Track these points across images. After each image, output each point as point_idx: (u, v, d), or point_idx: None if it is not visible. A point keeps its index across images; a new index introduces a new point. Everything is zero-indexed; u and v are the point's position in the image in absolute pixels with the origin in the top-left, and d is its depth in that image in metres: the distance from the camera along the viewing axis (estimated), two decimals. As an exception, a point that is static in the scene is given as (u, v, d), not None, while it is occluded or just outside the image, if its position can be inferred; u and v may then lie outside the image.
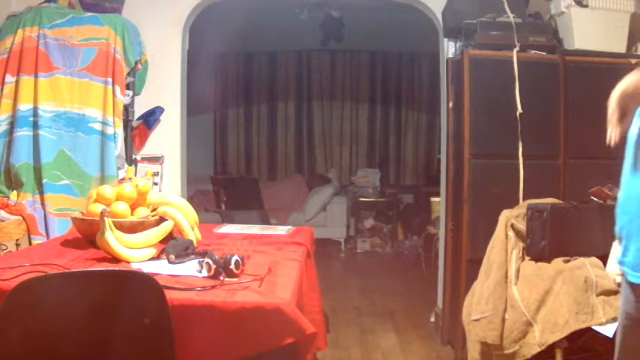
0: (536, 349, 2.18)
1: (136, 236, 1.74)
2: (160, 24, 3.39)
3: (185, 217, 1.96)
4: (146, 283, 1.29)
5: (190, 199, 3.32)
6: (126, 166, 3.18)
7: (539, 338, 2.18)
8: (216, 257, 1.49)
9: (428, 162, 7.11)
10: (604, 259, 2.36)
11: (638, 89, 1.45)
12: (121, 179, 3.05)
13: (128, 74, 3.19)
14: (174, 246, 1.69)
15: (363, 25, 6.04)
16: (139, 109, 3.35)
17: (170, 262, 1.63)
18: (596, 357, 2.32)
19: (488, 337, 2.31)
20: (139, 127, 3.33)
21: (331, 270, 5.34)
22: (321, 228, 5.94)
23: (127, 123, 3.22)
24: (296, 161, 7.29)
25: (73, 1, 3.21)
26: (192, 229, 1.96)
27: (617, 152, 1.54)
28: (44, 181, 2.87)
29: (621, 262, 1.52)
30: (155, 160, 3.37)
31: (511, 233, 2.44)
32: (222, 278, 1.44)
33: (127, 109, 3.22)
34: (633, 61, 2.89)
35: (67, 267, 1.54)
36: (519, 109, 2.79)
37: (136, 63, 3.21)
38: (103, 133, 3.01)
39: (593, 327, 2.12)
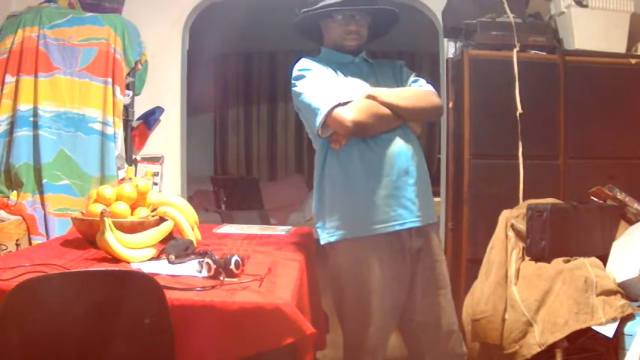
0: (536, 350, 2.18)
1: (136, 236, 1.74)
2: (160, 24, 3.39)
3: (185, 217, 1.96)
4: (146, 283, 1.29)
5: (190, 199, 3.32)
6: (126, 166, 3.18)
7: (539, 338, 2.17)
8: (216, 257, 1.49)
9: (428, 162, 7.02)
10: (604, 259, 2.36)
11: None
12: (121, 179, 3.05)
13: (128, 74, 3.19)
14: (174, 246, 1.68)
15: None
16: (139, 109, 3.35)
17: (170, 262, 1.63)
18: (596, 357, 2.31)
19: (488, 337, 2.31)
20: (139, 127, 3.33)
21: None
22: (321, 228, 5.93)
23: (127, 123, 3.22)
24: (296, 161, 7.28)
25: (73, 1, 3.21)
26: (192, 229, 1.96)
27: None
28: (44, 181, 2.87)
29: None
30: (155, 160, 3.37)
31: (511, 233, 2.44)
32: (222, 278, 1.43)
33: (127, 109, 3.22)
34: (633, 61, 2.89)
35: (67, 267, 1.54)
36: (519, 109, 2.79)
37: (136, 63, 3.22)
38: (103, 133, 3.01)
39: (593, 327, 2.12)
